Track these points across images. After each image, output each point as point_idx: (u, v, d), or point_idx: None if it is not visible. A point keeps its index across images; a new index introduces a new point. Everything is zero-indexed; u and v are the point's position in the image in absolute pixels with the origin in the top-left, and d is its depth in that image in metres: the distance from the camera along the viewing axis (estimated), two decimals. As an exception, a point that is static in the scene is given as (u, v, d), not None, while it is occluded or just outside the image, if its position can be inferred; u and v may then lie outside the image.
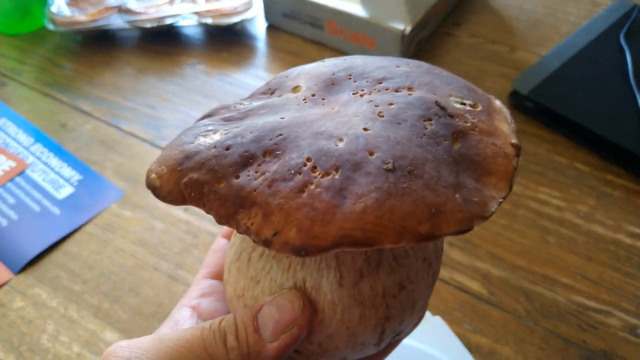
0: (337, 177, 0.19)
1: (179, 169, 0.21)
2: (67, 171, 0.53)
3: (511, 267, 0.45)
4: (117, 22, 0.68)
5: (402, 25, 0.60)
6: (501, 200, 0.20)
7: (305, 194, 0.19)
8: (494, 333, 0.40)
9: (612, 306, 0.42)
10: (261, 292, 0.23)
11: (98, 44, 0.69)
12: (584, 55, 0.61)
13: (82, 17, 0.67)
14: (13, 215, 0.50)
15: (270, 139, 0.20)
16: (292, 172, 0.19)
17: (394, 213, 0.18)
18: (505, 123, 0.23)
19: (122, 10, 0.68)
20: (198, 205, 0.20)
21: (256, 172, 0.20)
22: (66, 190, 0.52)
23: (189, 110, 0.60)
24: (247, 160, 0.20)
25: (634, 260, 0.45)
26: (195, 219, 0.49)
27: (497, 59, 0.65)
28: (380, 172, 0.19)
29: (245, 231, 0.19)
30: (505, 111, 0.24)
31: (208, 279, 0.29)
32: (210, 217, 0.46)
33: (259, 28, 0.71)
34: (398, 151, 0.19)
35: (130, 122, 0.59)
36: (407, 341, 0.37)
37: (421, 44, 0.66)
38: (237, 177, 0.20)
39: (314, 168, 0.19)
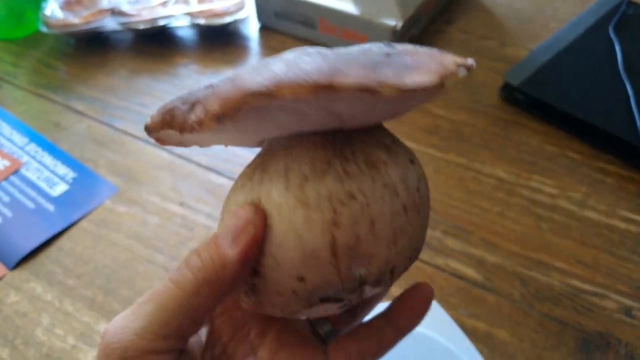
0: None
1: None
2: (62, 169, 0.53)
3: (505, 253, 0.45)
4: (110, 24, 0.68)
5: (394, 22, 0.60)
6: (426, 83, 0.19)
7: (235, 80, 0.20)
8: (490, 317, 0.40)
9: (606, 289, 0.42)
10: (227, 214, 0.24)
11: (91, 46, 0.70)
12: (574, 47, 0.62)
13: (76, 20, 0.68)
14: (7, 212, 0.50)
15: None
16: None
17: (297, 71, 0.19)
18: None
19: (115, 12, 0.69)
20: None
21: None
22: (60, 188, 0.52)
23: (183, 108, 0.60)
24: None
25: (627, 244, 0.45)
26: (190, 213, 0.49)
27: (488, 54, 0.66)
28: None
29: (195, 124, 0.20)
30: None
31: None
32: (206, 211, 0.46)
33: (251, 28, 0.72)
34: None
35: (124, 120, 0.59)
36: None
37: (413, 40, 0.67)
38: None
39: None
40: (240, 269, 0.21)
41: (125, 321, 0.21)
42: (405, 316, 0.25)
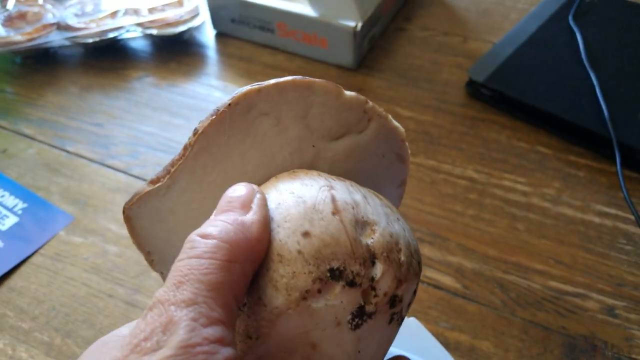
0: None
1: None
2: (10, 200, 0.50)
3: (483, 258, 0.43)
4: (56, 39, 0.64)
5: (353, 23, 0.59)
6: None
7: None
8: (472, 328, 0.39)
9: (588, 289, 0.41)
10: None
11: (39, 64, 0.66)
12: (536, 39, 0.61)
13: (19, 36, 0.64)
14: (-49, 252, 0.46)
15: None
16: None
17: None
18: None
19: (62, 27, 0.65)
20: None
21: None
22: (10, 221, 0.48)
23: (139, 125, 0.57)
24: None
25: (605, 240, 0.44)
26: (151, 238, 0.46)
27: (451, 50, 0.65)
28: None
29: None
30: None
31: None
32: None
33: (207, 36, 0.69)
34: None
35: (77, 142, 0.55)
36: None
37: (374, 41, 0.65)
38: None
39: None
40: (264, 229, 0.19)
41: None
42: None
